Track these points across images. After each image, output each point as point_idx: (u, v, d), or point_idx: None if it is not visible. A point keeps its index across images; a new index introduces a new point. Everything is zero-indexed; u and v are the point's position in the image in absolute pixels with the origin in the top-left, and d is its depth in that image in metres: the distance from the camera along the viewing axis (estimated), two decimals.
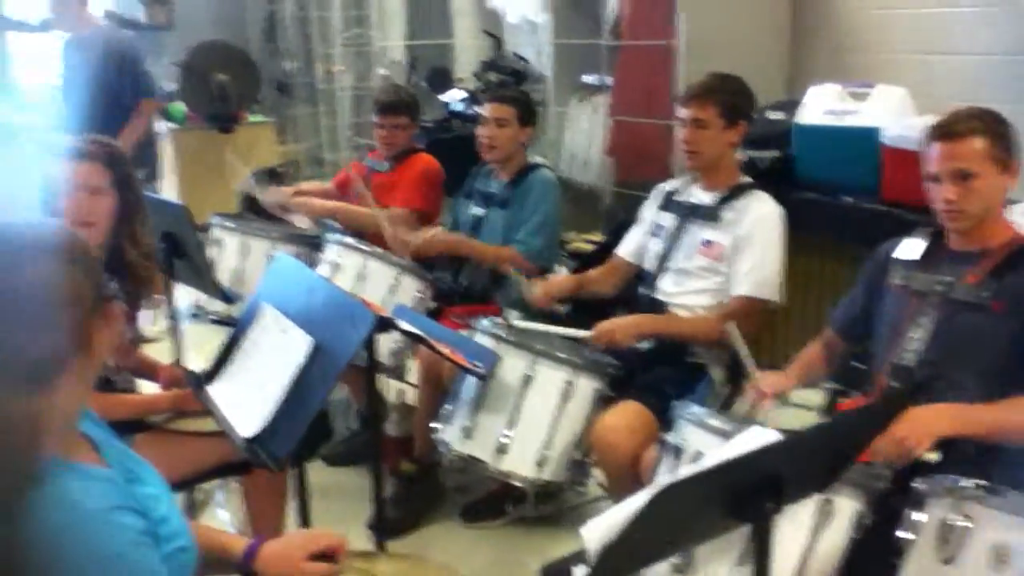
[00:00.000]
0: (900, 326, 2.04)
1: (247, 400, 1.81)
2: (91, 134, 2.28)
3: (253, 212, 3.72)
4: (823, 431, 1.58)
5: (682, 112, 2.63)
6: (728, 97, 2.59)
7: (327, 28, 6.60)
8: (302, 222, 3.73)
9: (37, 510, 1.04)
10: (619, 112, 4.26)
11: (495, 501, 3.00)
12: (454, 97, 5.40)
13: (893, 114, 3.15)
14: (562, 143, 4.88)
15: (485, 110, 3.26)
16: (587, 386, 2.45)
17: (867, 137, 3.14)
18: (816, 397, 2.09)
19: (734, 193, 2.62)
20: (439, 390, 2.78)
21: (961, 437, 1.79)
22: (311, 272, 2.28)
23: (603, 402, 2.46)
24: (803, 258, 3.11)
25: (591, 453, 2.46)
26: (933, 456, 1.75)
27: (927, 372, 1.97)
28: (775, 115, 3.53)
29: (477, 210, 3.32)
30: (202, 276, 2.70)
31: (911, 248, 2.11)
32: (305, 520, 1.95)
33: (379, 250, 3.02)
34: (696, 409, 1.91)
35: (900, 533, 1.59)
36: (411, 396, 3.16)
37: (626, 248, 2.90)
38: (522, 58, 5.17)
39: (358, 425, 3.46)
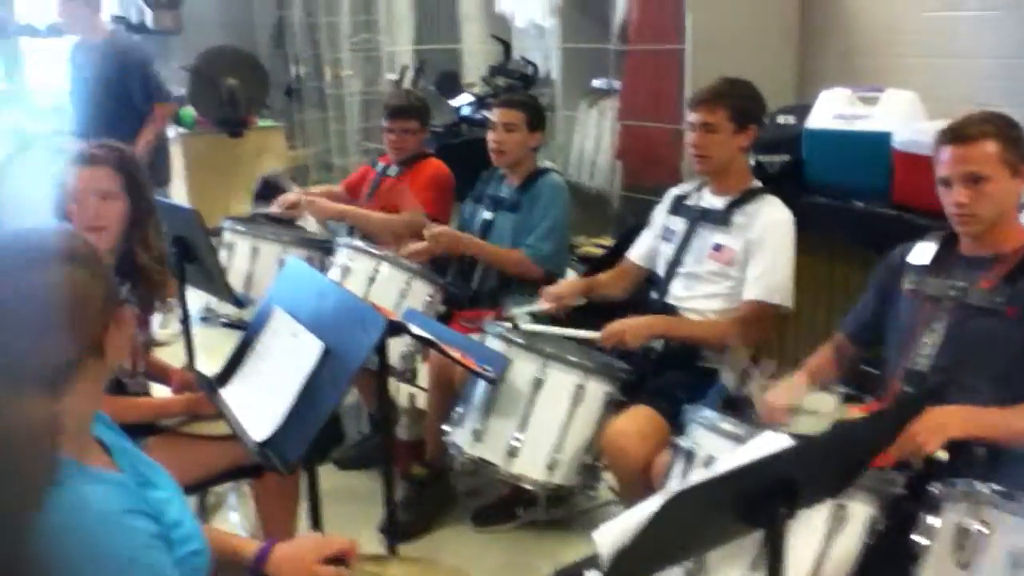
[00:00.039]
0: (913, 331, 2.03)
1: (259, 404, 1.81)
2: (102, 138, 2.29)
3: (264, 216, 3.72)
4: (836, 436, 1.58)
5: (691, 116, 2.62)
6: (738, 101, 2.59)
7: (336, 33, 6.62)
8: (311, 224, 3.74)
9: (49, 513, 1.04)
10: (627, 116, 4.26)
11: (506, 505, 2.99)
12: (463, 101, 5.40)
13: (903, 118, 3.14)
14: (571, 147, 4.88)
15: (494, 115, 3.26)
16: (598, 390, 2.45)
17: (878, 141, 3.13)
18: (829, 404, 2.08)
19: (745, 197, 2.61)
20: (449, 394, 2.78)
21: (973, 439, 1.79)
22: (322, 276, 2.29)
23: (614, 406, 2.46)
24: (813, 262, 3.10)
25: (602, 457, 2.46)
26: (942, 455, 1.74)
27: (940, 377, 1.96)
28: (785, 119, 3.52)
29: (486, 214, 3.32)
30: (214, 280, 2.71)
31: (923, 253, 2.10)
32: (316, 524, 1.95)
33: (390, 253, 3.03)
34: (708, 413, 1.91)
35: (916, 537, 1.58)
36: (421, 400, 3.16)
37: (637, 252, 2.90)
38: (530, 62, 5.17)
39: (369, 429, 3.46)
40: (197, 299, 3.01)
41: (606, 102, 4.64)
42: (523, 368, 2.44)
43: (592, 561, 1.50)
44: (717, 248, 2.61)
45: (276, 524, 2.33)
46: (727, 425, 1.85)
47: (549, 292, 2.85)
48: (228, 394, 1.93)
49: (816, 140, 3.35)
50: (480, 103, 5.19)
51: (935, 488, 1.60)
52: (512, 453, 2.42)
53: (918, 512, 1.62)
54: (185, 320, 2.70)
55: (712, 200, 2.68)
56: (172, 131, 5.55)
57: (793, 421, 1.96)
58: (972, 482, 1.57)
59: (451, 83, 5.78)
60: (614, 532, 1.43)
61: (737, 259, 2.57)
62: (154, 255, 2.25)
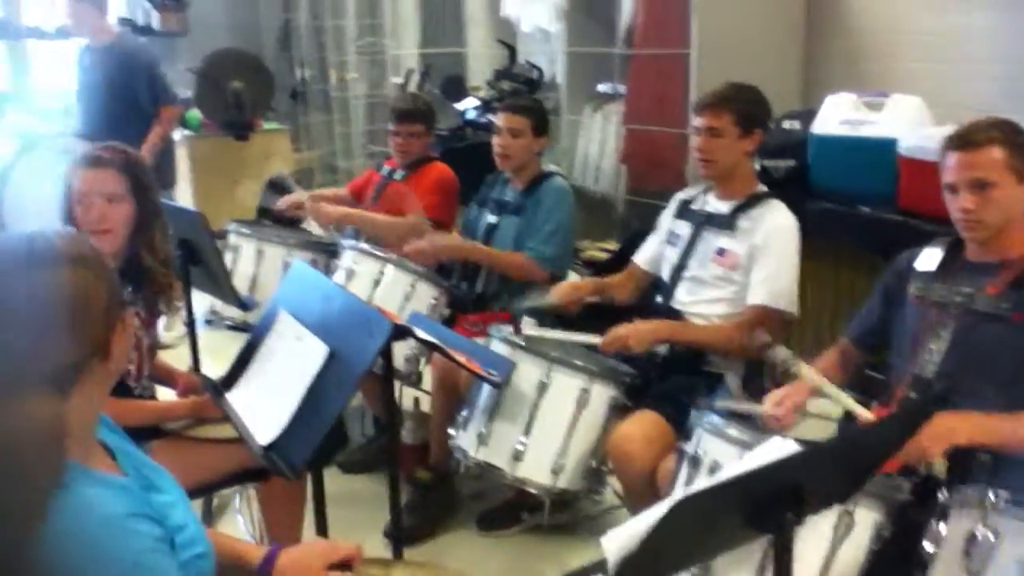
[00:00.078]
0: (919, 337, 2.02)
1: (264, 407, 1.81)
2: (108, 141, 2.29)
3: (270, 219, 3.73)
4: (843, 442, 1.58)
5: (696, 120, 2.62)
6: (743, 106, 2.58)
7: (341, 36, 6.64)
8: (316, 227, 3.74)
9: (53, 516, 1.04)
10: (632, 120, 4.26)
11: (511, 509, 2.99)
12: (468, 105, 5.41)
13: (909, 123, 3.15)
14: (575, 151, 4.88)
15: (499, 120, 3.26)
16: (602, 394, 2.45)
17: (883, 147, 3.13)
18: (835, 408, 2.08)
19: (750, 202, 2.61)
20: (454, 397, 2.78)
21: (978, 446, 1.78)
22: (327, 280, 2.29)
23: (619, 411, 2.46)
24: (819, 267, 3.10)
25: (607, 461, 2.46)
26: (940, 466, 1.74)
27: (946, 383, 1.95)
28: (790, 124, 3.52)
29: (491, 218, 3.32)
30: (219, 283, 2.71)
31: (930, 258, 2.10)
32: (321, 527, 1.94)
33: (395, 256, 3.02)
34: (714, 419, 1.91)
35: (925, 544, 1.58)
36: (426, 404, 3.16)
37: (643, 256, 2.90)
38: (535, 66, 5.18)
39: (373, 432, 3.46)
40: (202, 302, 3.01)
41: (611, 106, 4.65)
42: (528, 372, 2.43)
43: (599, 566, 1.50)
44: (721, 252, 2.60)
45: (281, 528, 2.33)
46: (734, 431, 1.85)
47: (561, 286, 2.85)
48: (233, 397, 1.93)
49: (822, 145, 3.36)
50: (485, 107, 5.20)
51: (943, 495, 1.59)
52: (517, 457, 2.41)
53: (924, 519, 1.61)
54: (190, 323, 2.70)
55: (717, 204, 2.68)
56: (178, 134, 5.57)
57: (799, 425, 1.96)
58: (981, 489, 1.56)
59: (456, 87, 5.79)
60: (621, 537, 1.42)
61: (741, 264, 2.56)
62: (159, 258, 2.24)
